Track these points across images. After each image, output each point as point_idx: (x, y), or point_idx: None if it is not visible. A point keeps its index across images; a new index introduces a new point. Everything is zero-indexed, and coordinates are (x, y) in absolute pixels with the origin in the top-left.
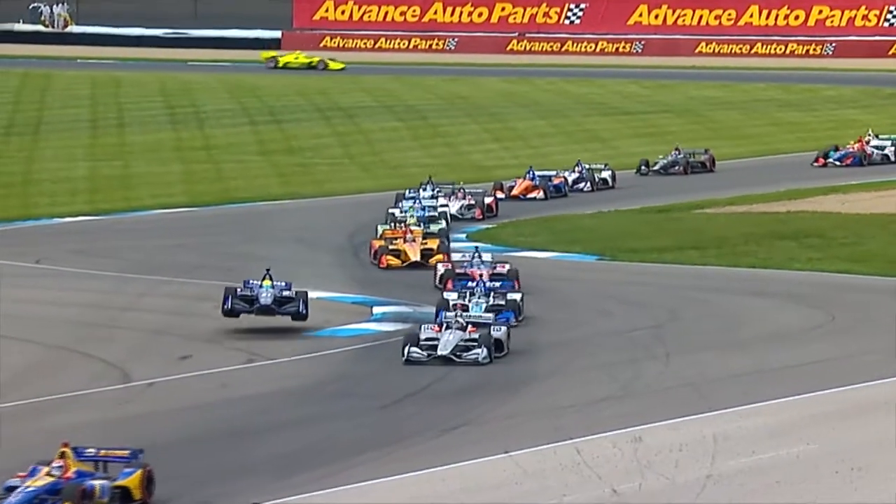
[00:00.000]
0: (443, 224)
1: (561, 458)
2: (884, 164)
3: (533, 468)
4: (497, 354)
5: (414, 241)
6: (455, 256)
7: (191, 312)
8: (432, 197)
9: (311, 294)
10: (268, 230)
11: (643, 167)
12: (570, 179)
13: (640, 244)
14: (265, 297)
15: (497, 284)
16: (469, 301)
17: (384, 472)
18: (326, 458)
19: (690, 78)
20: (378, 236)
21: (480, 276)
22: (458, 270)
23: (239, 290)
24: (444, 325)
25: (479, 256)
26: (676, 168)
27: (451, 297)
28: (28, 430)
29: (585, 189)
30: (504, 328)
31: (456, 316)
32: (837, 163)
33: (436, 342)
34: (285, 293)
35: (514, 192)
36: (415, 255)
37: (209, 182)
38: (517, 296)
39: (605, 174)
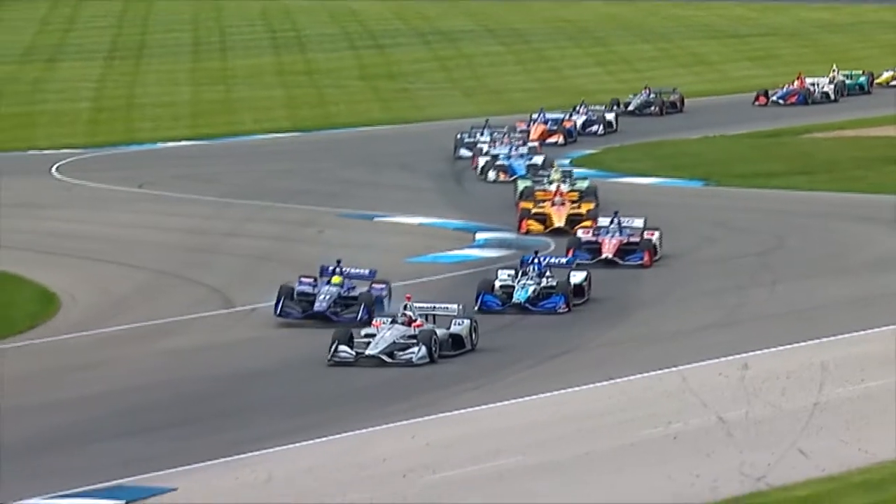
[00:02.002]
0: (588, 181)
1: (666, 385)
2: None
3: (638, 395)
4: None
5: (563, 204)
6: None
7: (293, 238)
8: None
9: (414, 220)
10: (369, 155)
11: (615, 106)
12: (608, 118)
13: (747, 169)
14: (320, 303)
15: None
16: (517, 282)
17: (490, 398)
18: (430, 385)
19: (800, 0)
20: (520, 195)
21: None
22: (585, 237)
23: (297, 286)
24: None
25: (619, 223)
26: (652, 109)
27: (503, 276)
28: (134, 354)
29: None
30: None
31: (404, 309)
32: (781, 101)
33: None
34: (351, 293)
35: (532, 136)
36: (559, 221)
37: (311, 107)
38: (580, 276)
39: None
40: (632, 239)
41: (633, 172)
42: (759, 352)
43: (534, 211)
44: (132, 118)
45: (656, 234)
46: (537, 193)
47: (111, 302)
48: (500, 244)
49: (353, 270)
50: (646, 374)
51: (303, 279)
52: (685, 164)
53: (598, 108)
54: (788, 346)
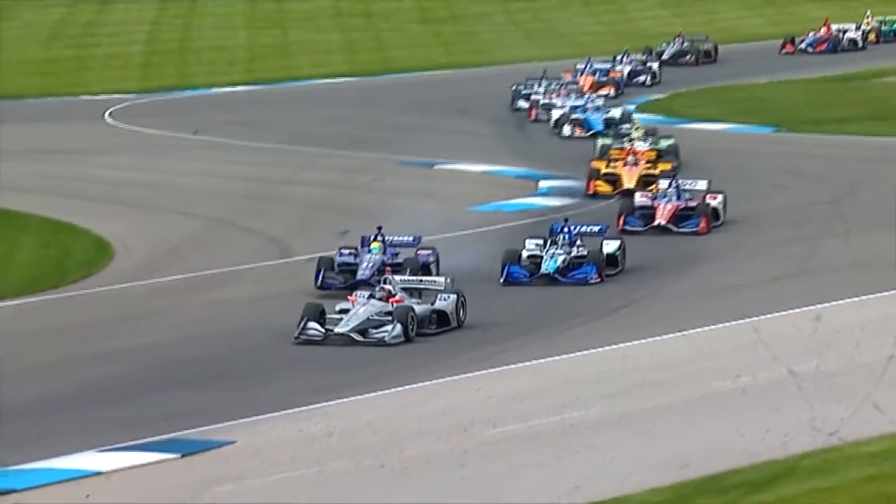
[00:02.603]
0: (672, 140)
1: (736, 337)
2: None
3: (708, 348)
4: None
5: (636, 164)
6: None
7: (350, 186)
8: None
9: (475, 168)
10: (429, 101)
11: (647, 55)
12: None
13: (819, 115)
14: (363, 270)
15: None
16: (546, 252)
17: (554, 351)
18: (492, 338)
19: None
20: (597, 153)
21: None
22: (641, 202)
23: (338, 257)
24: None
25: (677, 186)
26: (687, 58)
27: (530, 246)
28: (189, 304)
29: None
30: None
31: (383, 283)
32: (810, 49)
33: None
34: (395, 259)
35: (585, 89)
36: (630, 183)
37: (369, 51)
38: (613, 245)
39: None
40: (690, 204)
41: (702, 118)
42: (831, 303)
43: (604, 171)
44: (186, 62)
45: (719, 197)
46: (612, 152)
47: (165, 251)
48: (563, 192)
49: (395, 238)
50: (715, 327)
51: (343, 250)
52: (755, 110)
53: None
54: (862, 298)
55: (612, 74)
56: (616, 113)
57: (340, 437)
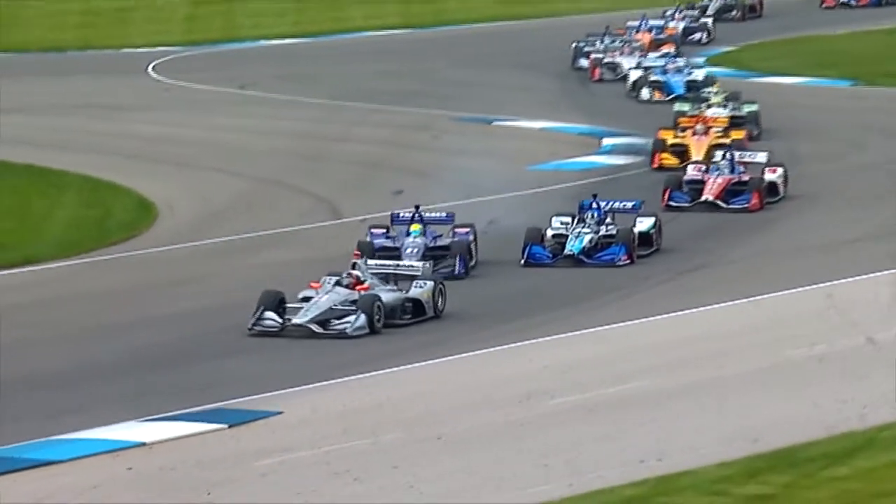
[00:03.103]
0: (755, 106)
1: (810, 303)
2: None
3: (779, 314)
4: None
5: (706, 133)
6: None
7: (405, 143)
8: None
9: (534, 124)
10: (485, 54)
11: (688, 9)
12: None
13: None
14: (408, 259)
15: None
16: (572, 231)
17: (614, 317)
18: (547, 305)
19: None
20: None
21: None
22: (691, 175)
23: (374, 237)
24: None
25: (731, 158)
26: (733, 13)
27: (556, 224)
28: (235, 268)
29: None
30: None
31: (352, 268)
32: (853, 3)
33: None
34: (438, 241)
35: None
36: (698, 154)
37: (422, 2)
38: (647, 222)
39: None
40: (744, 178)
41: (776, 72)
42: None
43: (671, 142)
44: (232, 14)
45: (779, 171)
46: (681, 119)
47: (211, 212)
48: (628, 150)
49: (428, 214)
50: (788, 291)
51: (374, 230)
52: (831, 63)
53: (692, 12)
54: None
55: (667, 31)
56: (699, 75)
57: (392, 408)
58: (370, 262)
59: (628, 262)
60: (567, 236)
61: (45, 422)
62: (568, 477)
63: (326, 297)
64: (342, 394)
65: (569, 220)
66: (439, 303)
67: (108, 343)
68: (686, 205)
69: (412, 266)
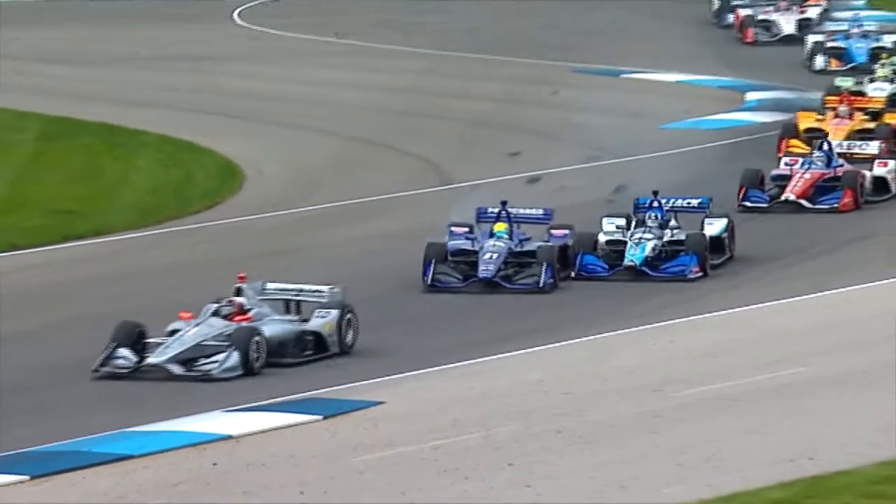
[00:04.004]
0: None
1: None
2: None
3: None
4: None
5: (849, 116)
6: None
7: (521, 99)
8: None
9: (668, 77)
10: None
11: None
12: None
13: None
14: (486, 266)
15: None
16: (630, 236)
17: (750, 298)
18: (678, 286)
19: None
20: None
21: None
22: (779, 170)
23: (450, 241)
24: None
25: (829, 150)
26: None
27: (609, 227)
28: (330, 240)
29: None
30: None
31: (236, 294)
32: None
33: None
34: (524, 246)
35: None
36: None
37: None
38: (717, 225)
39: None
40: (839, 172)
41: None
42: None
43: (805, 126)
44: None
45: (891, 164)
46: (828, 98)
47: (304, 176)
48: (775, 106)
49: (520, 211)
50: None
51: (454, 229)
52: None
53: None
54: None
55: None
56: (890, 40)
57: (505, 399)
58: (270, 284)
59: (700, 274)
60: (624, 243)
61: (118, 412)
62: (706, 477)
63: (195, 330)
64: (450, 382)
65: (623, 222)
66: (347, 336)
67: None
68: (764, 205)
69: (318, 291)
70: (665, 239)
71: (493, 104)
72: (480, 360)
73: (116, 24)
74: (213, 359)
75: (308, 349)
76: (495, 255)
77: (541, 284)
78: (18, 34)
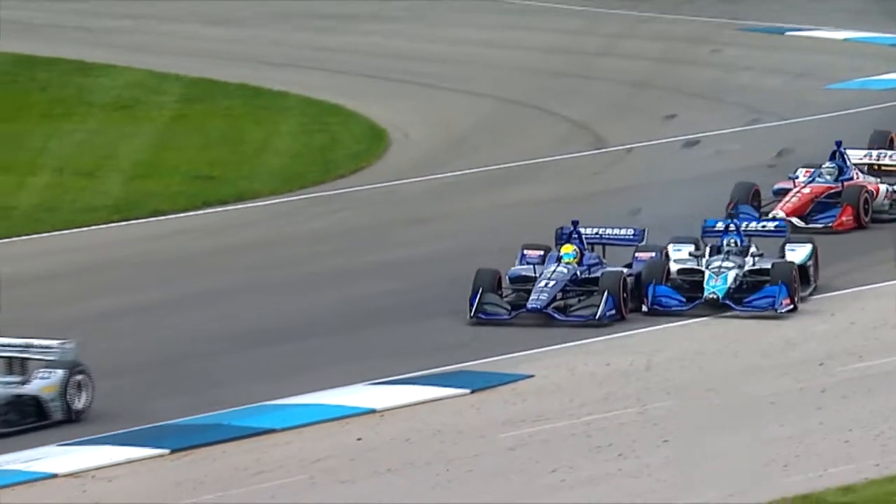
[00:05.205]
0: None
1: None
2: None
3: None
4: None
5: None
6: None
7: (680, 58)
8: None
9: (836, 34)
10: None
11: None
12: None
13: None
14: (537, 296)
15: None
16: (708, 265)
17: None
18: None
19: None
20: None
21: None
22: (779, 185)
23: (524, 262)
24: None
25: (843, 158)
26: None
27: (679, 254)
28: (478, 206)
29: None
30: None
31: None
32: None
33: None
34: (594, 273)
35: None
36: None
37: None
38: (801, 251)
39: None
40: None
41: None
42: None
43: None
44: None
45: None
46: None
47: (451, 140)
48: None
49: (608, 232)
50: None
51: (527, 252)
52: None
53: None
54: None
55: None
56: None
57: (660, 372)
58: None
59: (792, 307)
60: (699, 272)
61: (258, 384)
62: (874, 456)
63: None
64: (601, 355)
65: (693, 247)
66: (76, 400)
67: (328, 292)
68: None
69: (46, 348)
70: (747, 268)
71: (650, 64)
72: (632, 332)
73: None
74: None
75: (30, 416)
76: (551, 284)
77: (597, 316)
78: None
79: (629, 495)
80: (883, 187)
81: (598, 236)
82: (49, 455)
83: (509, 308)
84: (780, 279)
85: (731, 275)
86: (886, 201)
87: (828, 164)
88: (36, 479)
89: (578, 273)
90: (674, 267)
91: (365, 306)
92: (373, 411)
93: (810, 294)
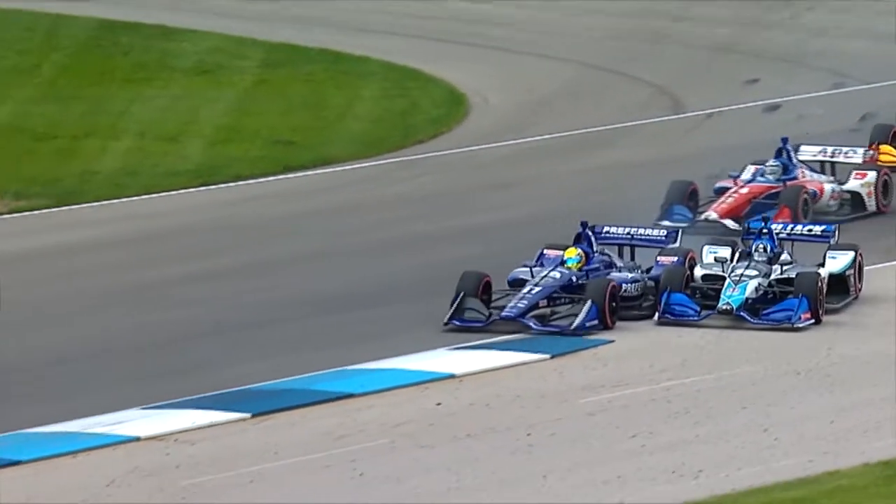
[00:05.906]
0: None
1: None
2: None
3: None
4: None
5: None
6: None
7: (760, 22)
8: None
9: None
10: None
11: None
12: None
13: None
14: (515, 303)
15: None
16: (730, 272)
17: None
18: None
19: None
20: None
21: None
22: (722, 182)
23: (541, 261)
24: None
25: (786, 155)
26: None
27: (710, 258)
28: (558, 172)
29: None
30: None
31: None
32: None
33: None
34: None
35: None
36: None
37: None
38: (842, 259)
39: None
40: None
41: None
42: None
43: None
44: None
45: (870, 176)
46: None
47: (531, 105)
48: None
49: (638, 231)
50: None
51: (546, 252)
52: None
53: None
54: None
55: None
56: None
57: (738, 340)
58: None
59: (812, 321)
60: (722, 279)
61: (339, 349)
62: None
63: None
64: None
65: (729, 251)
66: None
67: (409, 257)
68: (684, 225)
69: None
70: (773, 276)
71: (730, 28)
72: None
73: None
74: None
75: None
76: (535, 291)
77: (572, 326)
78: None
79: (706, 461)
80: (828, 187)
81: (628, 237)
82: (132, 418)
83: (487, 315)
84: (801, 291)
85: (752, 284)
86: (833, 202)
87: (772, 162)
88: (119, 443)
89: (574, 279)
90: (699, 272)
91: (446, 271)
92: (452, 376)
93: (846, 305)
